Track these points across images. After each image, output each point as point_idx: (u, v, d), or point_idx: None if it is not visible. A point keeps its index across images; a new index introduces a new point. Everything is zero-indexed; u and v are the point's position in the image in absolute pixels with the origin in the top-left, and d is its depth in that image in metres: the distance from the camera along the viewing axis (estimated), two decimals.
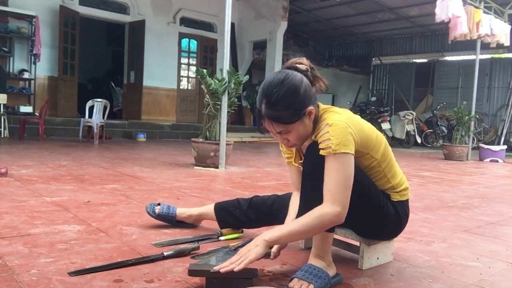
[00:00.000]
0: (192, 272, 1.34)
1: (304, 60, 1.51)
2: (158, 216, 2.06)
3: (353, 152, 1.38)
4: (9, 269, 1.42)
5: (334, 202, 1.35)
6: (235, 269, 1.29)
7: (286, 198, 1.87)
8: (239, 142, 9.06)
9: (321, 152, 1.38)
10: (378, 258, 1.69)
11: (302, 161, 1.62)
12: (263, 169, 4.86)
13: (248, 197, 1.99)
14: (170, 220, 2.06)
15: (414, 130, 11.29)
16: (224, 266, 1.31)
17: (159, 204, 2.09)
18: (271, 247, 1.43)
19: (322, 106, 1.52)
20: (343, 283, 1.49)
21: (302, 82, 1.42)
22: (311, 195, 1.43)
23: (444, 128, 11.69)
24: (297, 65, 1.48)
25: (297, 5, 12.15)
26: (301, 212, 1.45)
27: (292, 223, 1.41)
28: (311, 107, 1.43)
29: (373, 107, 12.11)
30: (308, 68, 1.48)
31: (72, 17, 9.22)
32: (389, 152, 1.59)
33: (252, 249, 1.37)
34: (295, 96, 1.39)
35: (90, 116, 7.33)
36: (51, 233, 1.86)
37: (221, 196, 2.95)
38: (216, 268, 1.31)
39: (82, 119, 7.50)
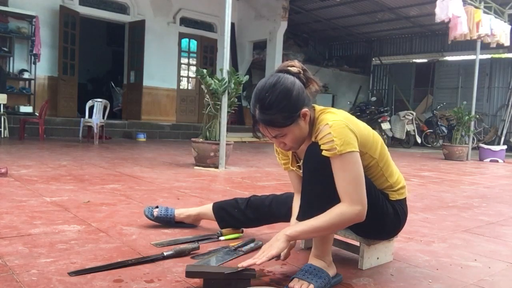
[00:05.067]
0: (189, 274, 1.34)
1: (296, 62, 1.51)
2: (157, 219, 2.06)
3: (358, 149, 1.39)
4: (9, 269, 1.42)
5: (352, 202, 1.36)
6: (257, 263, 1.33)
7: (284, 197, 1.87)
8: (239, 142, 9.05)
9: (326, 154, 1.38)
10: (378, 258, 1.69)
11: (299, 164, 1.62)
12: (263, 169, 4.86)
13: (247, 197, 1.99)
14: (169, 222, 2.07)
15: (414, 130, 11.28)
16: (248, 263, 1.34)
17: (157, 207, 2.10)
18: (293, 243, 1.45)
19: (318, 107, 1.52)
20: (343, 283, 1.49)
21: (294, 84, 1.42)
22: (314, 196, 1.43)
23: (444, 128, 11.68)
24: (289, 68, 1.47)
25: (297, 5, 12.14)
26: (304, 211, 1.45)
27: (313, 220, 1.40)
28: (305, 109, 1.42)
29: (373, 107, 12.09)
30: (300, 70, 1.48)
31: (72, 17, 9.22)
32: (386, 151, 1.59)
33: (273, 244, 1.38)
34: (287, 99, 1.39)
35: (90, 116, 7.33)
36: (51, 233, 1.86)
37: (221, 196, 2.95)
38: (239, 265, 1.34)
39: (82, 119, 7.50)
